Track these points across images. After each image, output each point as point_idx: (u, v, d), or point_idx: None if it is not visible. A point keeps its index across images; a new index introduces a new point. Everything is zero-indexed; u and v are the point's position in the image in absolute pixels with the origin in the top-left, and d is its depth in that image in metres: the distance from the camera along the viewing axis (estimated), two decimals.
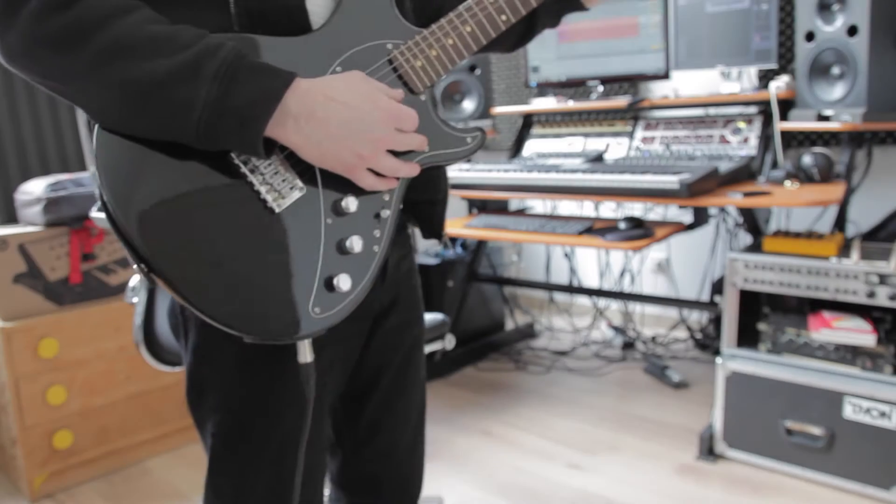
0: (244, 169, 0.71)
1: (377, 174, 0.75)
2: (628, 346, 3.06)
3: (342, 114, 0.71)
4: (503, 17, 0.82)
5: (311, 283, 0.73)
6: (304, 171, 0.74)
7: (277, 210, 0.72)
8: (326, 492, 0.99)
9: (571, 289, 3.03)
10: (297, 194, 0.73)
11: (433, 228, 0.94)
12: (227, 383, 0.82)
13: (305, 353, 0.76)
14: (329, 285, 0.73)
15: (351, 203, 0.75)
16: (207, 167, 0.70)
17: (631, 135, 2.52)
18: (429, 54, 0.79)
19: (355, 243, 0.74)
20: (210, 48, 0.68)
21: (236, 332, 0.71)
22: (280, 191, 0.72)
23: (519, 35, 1.01)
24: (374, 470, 1.00)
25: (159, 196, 0.68)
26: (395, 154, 0.76)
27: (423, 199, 0.92)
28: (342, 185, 0.75)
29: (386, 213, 0.78)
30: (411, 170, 0.78)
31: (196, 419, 0.86)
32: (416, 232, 1.00)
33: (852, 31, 1.89)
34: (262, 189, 0.72)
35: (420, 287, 1.01)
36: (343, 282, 0.73)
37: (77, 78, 0.67)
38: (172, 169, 0.69)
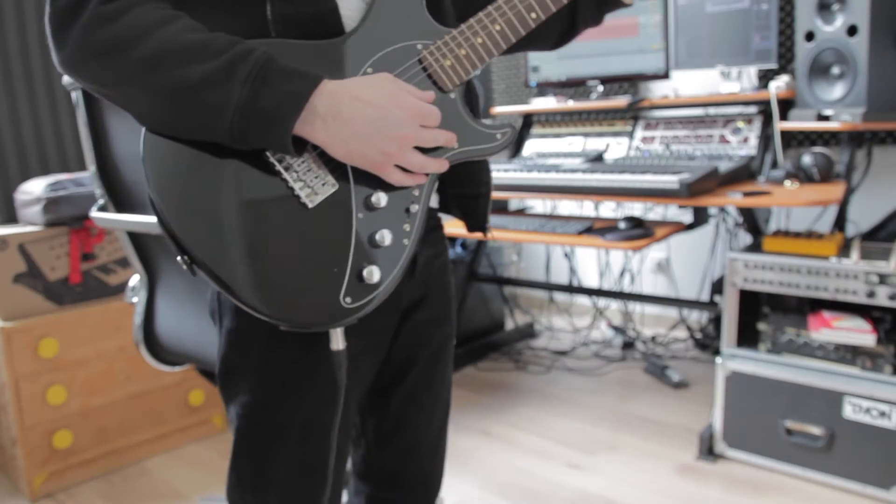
0: (279, 167, 0.75)
1: (406, 170, 0.78)
2: (628, 345, 3.06)
3: (367, 113, 0.74)
4: (533, 15, 0.83)
5: (342, 275, 0.76)
6: (336, 168, 0.77)
7: (311, 205, 0.76)
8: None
9: (571, 289, 3.03)
10: (329, 190, 0.77)
11: (477, 222, 0.97)
12: (256, 366, 0.85)
13: (338, 340, 0.79)
14: (360, 277, 0.76)
15: (381, 198, 0.78)
16: (245, 165, 0.75)
17: (631, 135, 2.53)
18: (458, 53, 0.81)
19: (385, 237, 0.77)
20: (241, 54, 0.71)
21: (273, 321, 0.74)
22: (313, 187, 0.76)
23: (560, 33, 1.03)
24: (397, 464, 1.02)
25: (200, 193, 0.73)
26: (424, 151, 0.78)
27: (466, 194, 0.95)
28: (373, 181, 0.78)
29: (415, 208, 0.80)
30: (440, 166, 0.80)
31: (225, 399, 0.89)
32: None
33: (852, 30, 1.90)
34: (296, 186, 0.75)
35: (452, 287, 1.03)
36: (373, 273, 0.76)
37: (123, 84, 0.73)
38: (213, 167, 0.74)
